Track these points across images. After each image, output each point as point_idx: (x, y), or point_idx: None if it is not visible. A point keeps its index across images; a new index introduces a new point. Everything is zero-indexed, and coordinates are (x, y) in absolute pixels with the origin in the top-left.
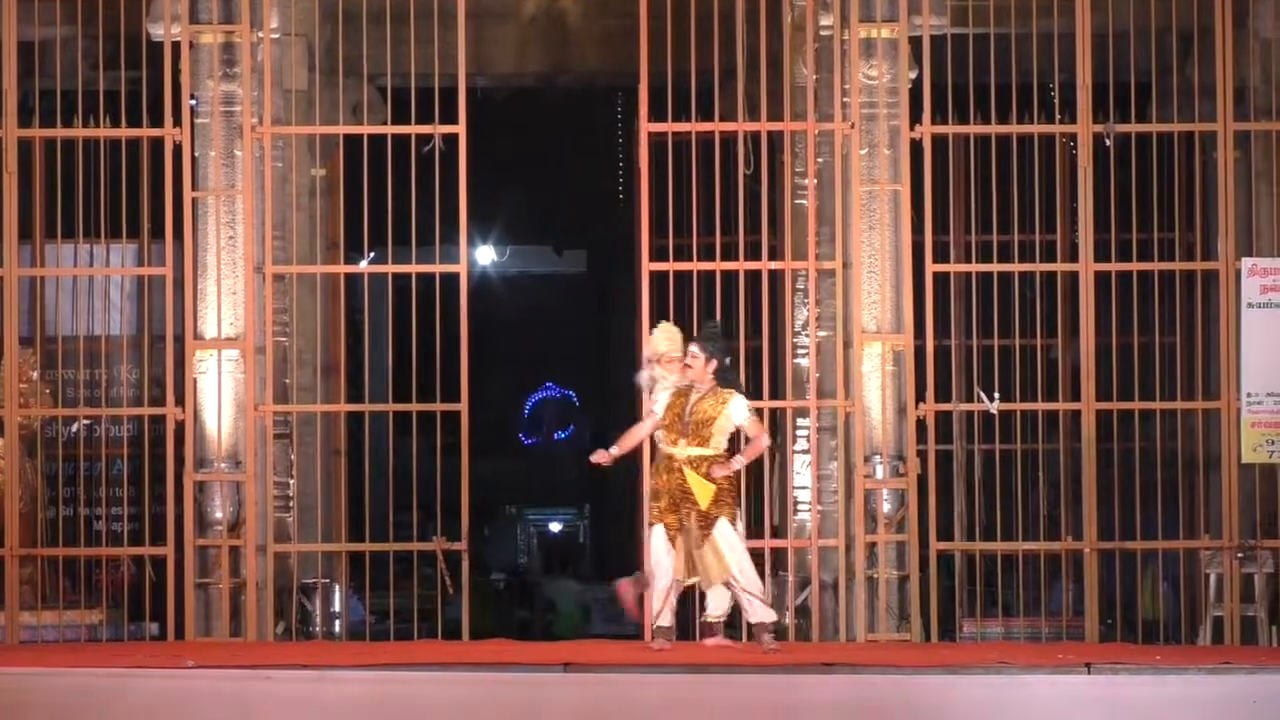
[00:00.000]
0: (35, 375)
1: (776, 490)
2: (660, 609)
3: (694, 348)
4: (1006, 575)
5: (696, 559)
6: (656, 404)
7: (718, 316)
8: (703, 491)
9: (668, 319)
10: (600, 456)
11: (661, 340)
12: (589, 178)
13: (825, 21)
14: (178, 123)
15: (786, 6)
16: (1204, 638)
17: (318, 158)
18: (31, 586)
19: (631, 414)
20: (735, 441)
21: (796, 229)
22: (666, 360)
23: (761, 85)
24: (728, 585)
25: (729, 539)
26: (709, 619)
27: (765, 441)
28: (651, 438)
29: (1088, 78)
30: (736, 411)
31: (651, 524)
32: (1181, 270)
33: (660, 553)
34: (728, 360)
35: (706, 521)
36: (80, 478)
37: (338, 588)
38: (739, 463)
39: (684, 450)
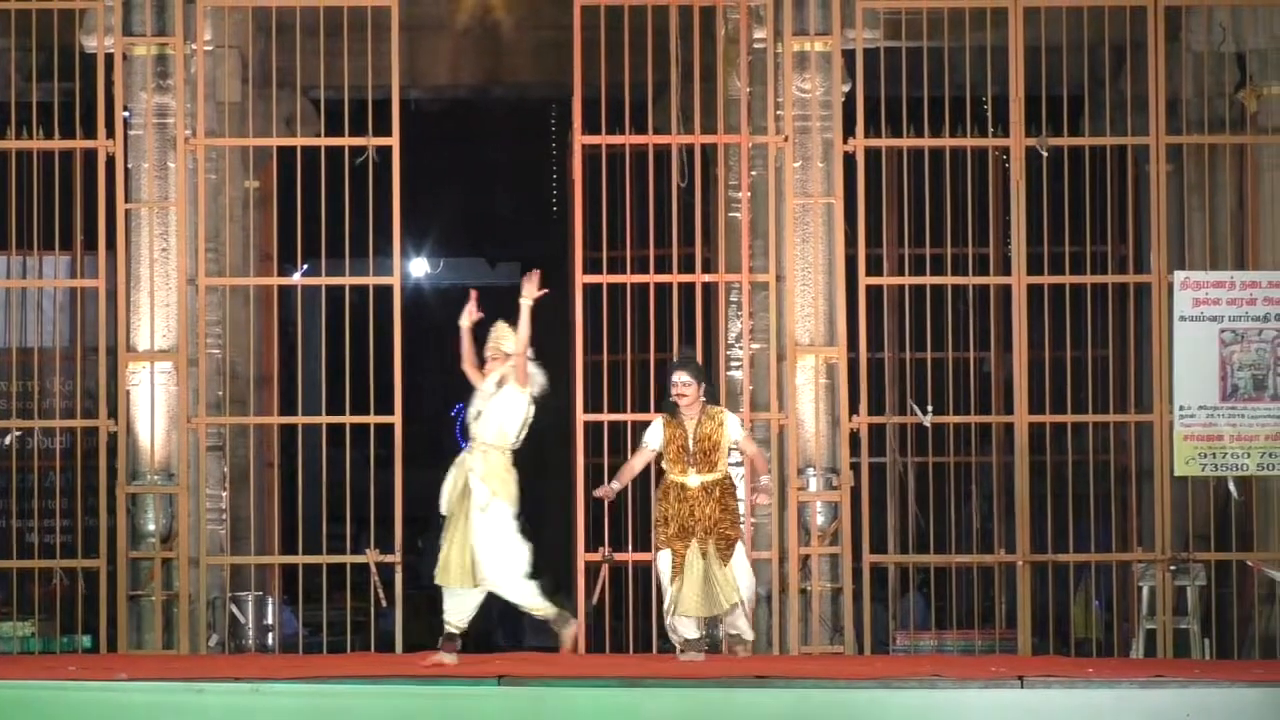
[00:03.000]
0: None
1: None
2: (682, 626)
3: (684, 376)
4: (940, 588)
5: (711, 584)
6: (649, 436)
7: (651, 327)
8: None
9: (601, 331)
10: (603, 491)
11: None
12: (523, 190)
13: (759, 34)
14: (111, 134)
15: (720, 19)
16: (1136, 650)
17: (251, 170)
18: None
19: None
20: None
21: (730, 242)
22: (490, 356)
23: (695, 98)
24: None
25: (742, 563)
26: (734, 635)
27: (763, 450)
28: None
29: (1020, 91)
30: (733, 429)
31: (658, 547)
32: (1114, 283)
33: (666, 574)
34: (706, 379)
35: (728, 544)
36: (13, 490)
37: (271, 600)
38: (766, 480)
39: (696, 479)
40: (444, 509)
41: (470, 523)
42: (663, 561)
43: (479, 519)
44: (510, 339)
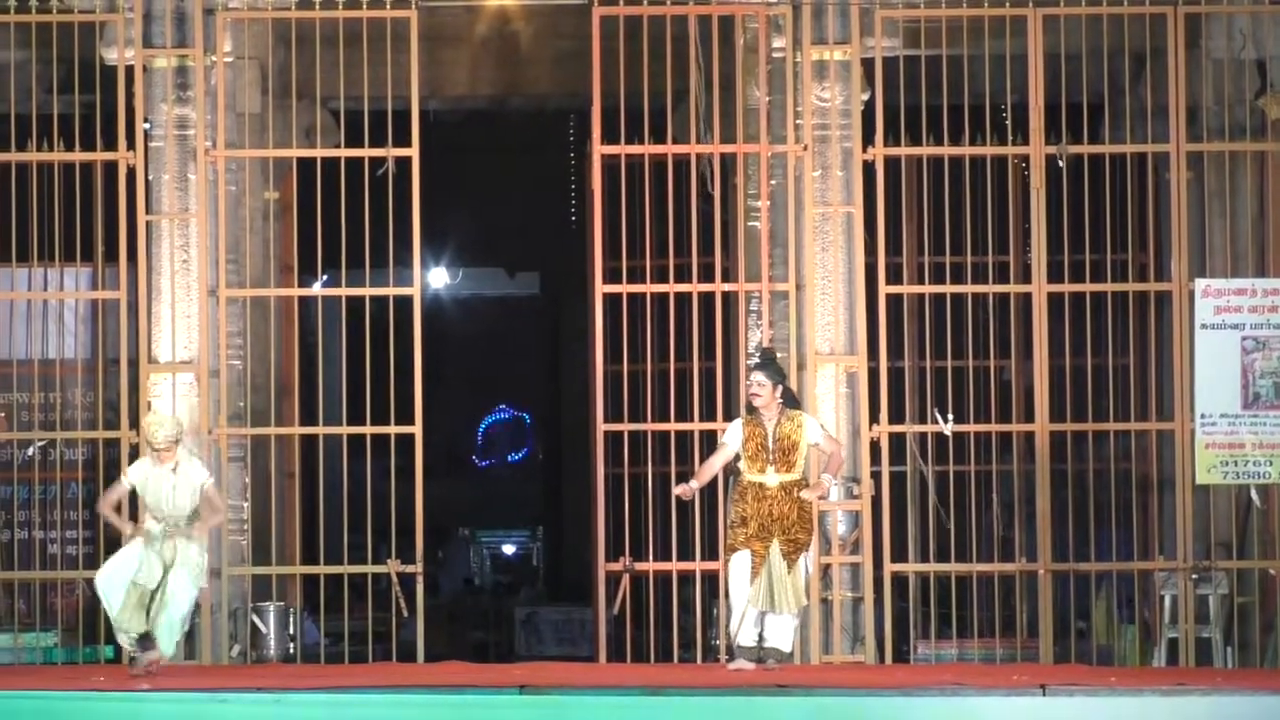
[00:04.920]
0: None
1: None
2: (739, 630)
3: (760, 376)
4: (961, 596)
5: (779, 585)
6: (728, 436)
7: (670, 337)
8: (805, 518)
9: (621, 340)
10: (682, 490)
11: (154, 428)
12: (542, 200)
13: (778, 43)
14: (131, 146)
15: (739, 28)
16: (1159, 659)
17: (271, 181)
18: None
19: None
20: None
21: (749, 251)
22: (154, 448)
23: (714, 107)
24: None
25: (805, 573)
26: (772, 647)
27: (843, 452)
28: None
29: (1040, 99)
30: (811, 430)
31: (734, 549)
32: (1135, 291)
33: (742, 577)
34: (786, 381)
35: (795, 547)
36: (35, 501)
37: (292, 610)
38: (829, 481)
39: (775, 478)
40: (145, 581)
41: (172, 592)
42: (738, 564)
43: (186, 593)
44: (168, 426)
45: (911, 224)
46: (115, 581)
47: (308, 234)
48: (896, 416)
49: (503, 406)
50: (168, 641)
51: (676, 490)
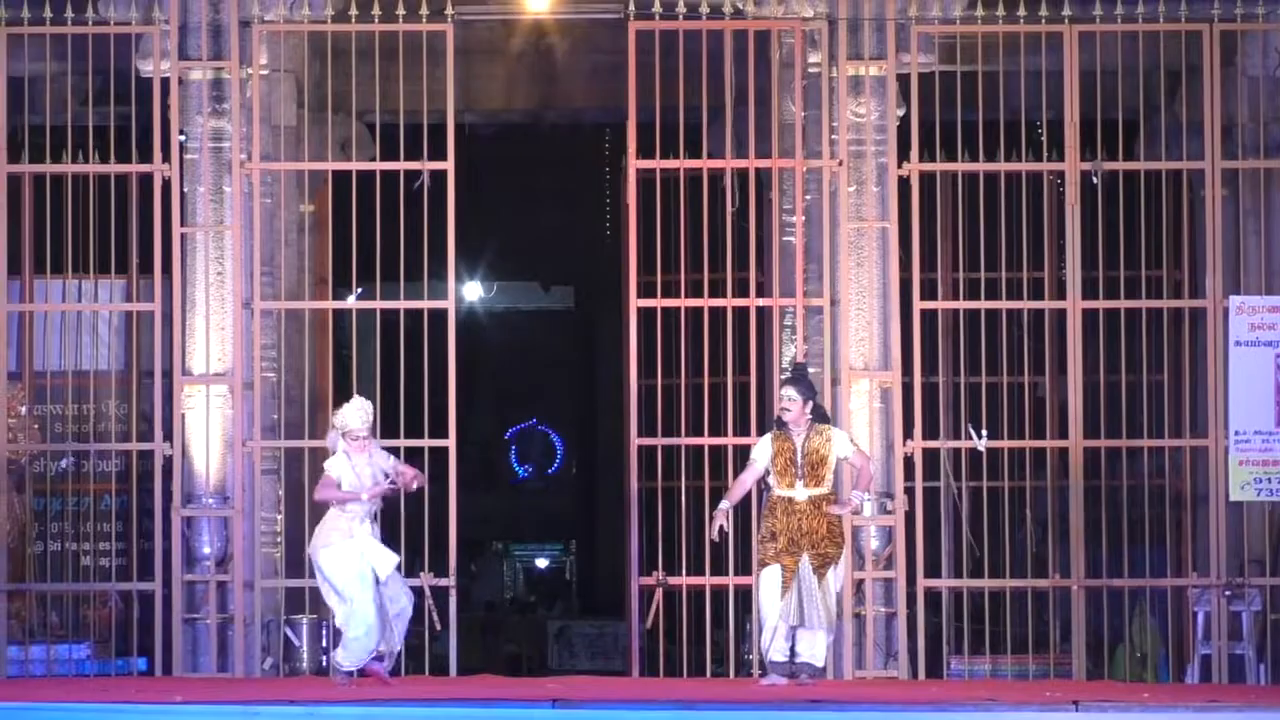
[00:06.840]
0: (24, 410)
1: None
2: (770, 645)
3: (790, 391)
4: (994, 612)
5: (808, 599)
6: (756, 452)
7: (705, 352)
8: (835, 533)
9: (655, 355)
10: (719, 518)
11: (354, 416)
12: (576, 214)
13: (813, 59)
14: (167, 158)
15: (775, 43)
16: (1192, 676)
17: (306, 194)
18: (19, 621)
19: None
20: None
21: (784, 266)
22: (352, 437)
23: (749, 122)
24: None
25: (837, 582)
26: (805, 662)
27: (872, 467)
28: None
29: (1075, 115)
30: (840, 445)
31: (764, 563)
32: (1169, 308)
33: (772, 591)
34: (817, 397)
35: (825, 561)
36: (68, 513)
37: (325, 623)
38: (859, 497)
39: (804, 492)
40: (351, 585)
41: (385, 583)
42: (768, 578)
43: (394, 576)
44: (366, 412)
45: (946, 240)
46: (363, 599)
47: (342, 247)
48: (930, 432)
49: (534, 420)
50: (399, 636)
51: (713, 532)
